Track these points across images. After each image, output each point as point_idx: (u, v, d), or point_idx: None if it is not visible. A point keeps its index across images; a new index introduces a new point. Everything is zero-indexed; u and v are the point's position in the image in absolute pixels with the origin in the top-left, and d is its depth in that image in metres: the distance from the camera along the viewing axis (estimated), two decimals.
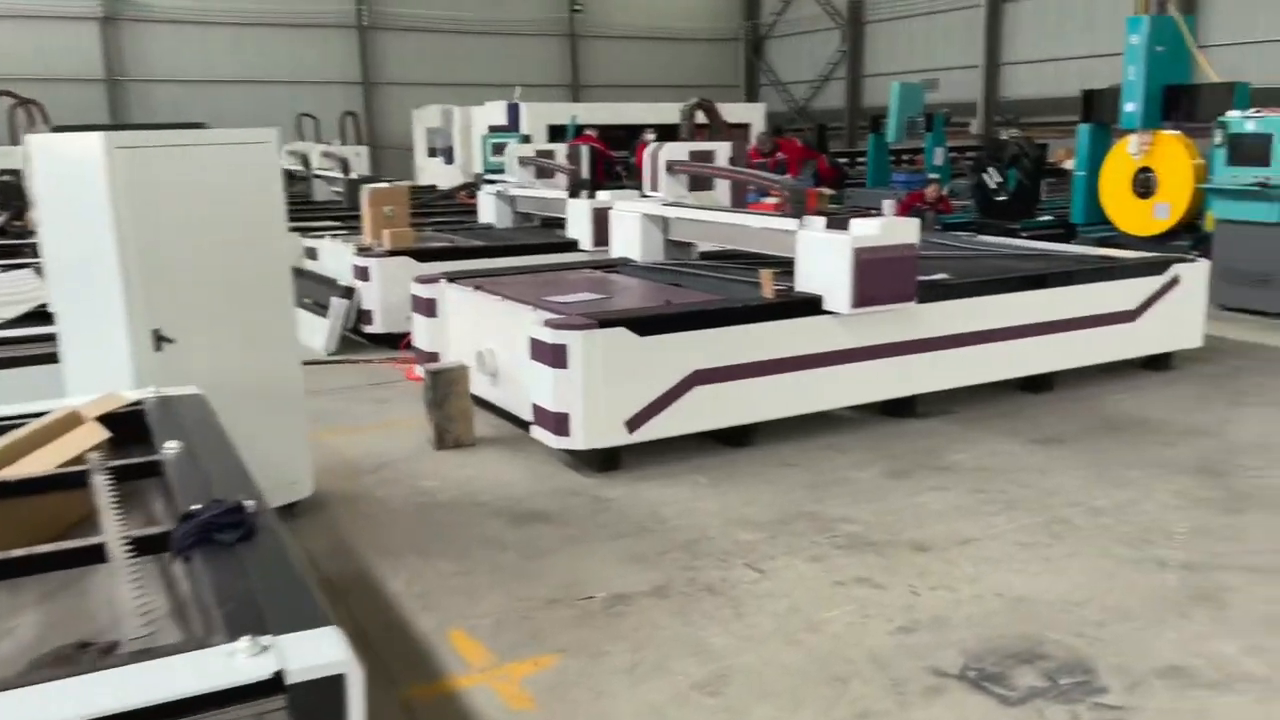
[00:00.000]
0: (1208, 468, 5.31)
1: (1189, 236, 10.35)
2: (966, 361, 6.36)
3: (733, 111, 29.11)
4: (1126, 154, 10.62)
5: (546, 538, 4.49)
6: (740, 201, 7.40)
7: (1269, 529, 4.52)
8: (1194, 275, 7.26)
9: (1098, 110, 11.24)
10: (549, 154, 10.23)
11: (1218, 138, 9.34)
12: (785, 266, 6.07)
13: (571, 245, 8.95)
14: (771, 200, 12.78)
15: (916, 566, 4.18)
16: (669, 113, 25.63)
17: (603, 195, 8.85)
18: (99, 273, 3.97)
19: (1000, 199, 13.05)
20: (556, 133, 21.73)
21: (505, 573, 4.14)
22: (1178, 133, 10.36)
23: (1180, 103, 10.24)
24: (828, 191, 16.53)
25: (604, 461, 5.33)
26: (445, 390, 5.68)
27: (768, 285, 5.81)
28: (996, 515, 4.73)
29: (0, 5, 26.03)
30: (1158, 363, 7.29)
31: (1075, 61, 24.72)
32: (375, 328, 8.22)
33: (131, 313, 3.99)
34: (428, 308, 6.68)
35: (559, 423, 5.21)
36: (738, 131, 23.07)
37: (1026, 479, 5.19)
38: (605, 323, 5.20)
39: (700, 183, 7.26)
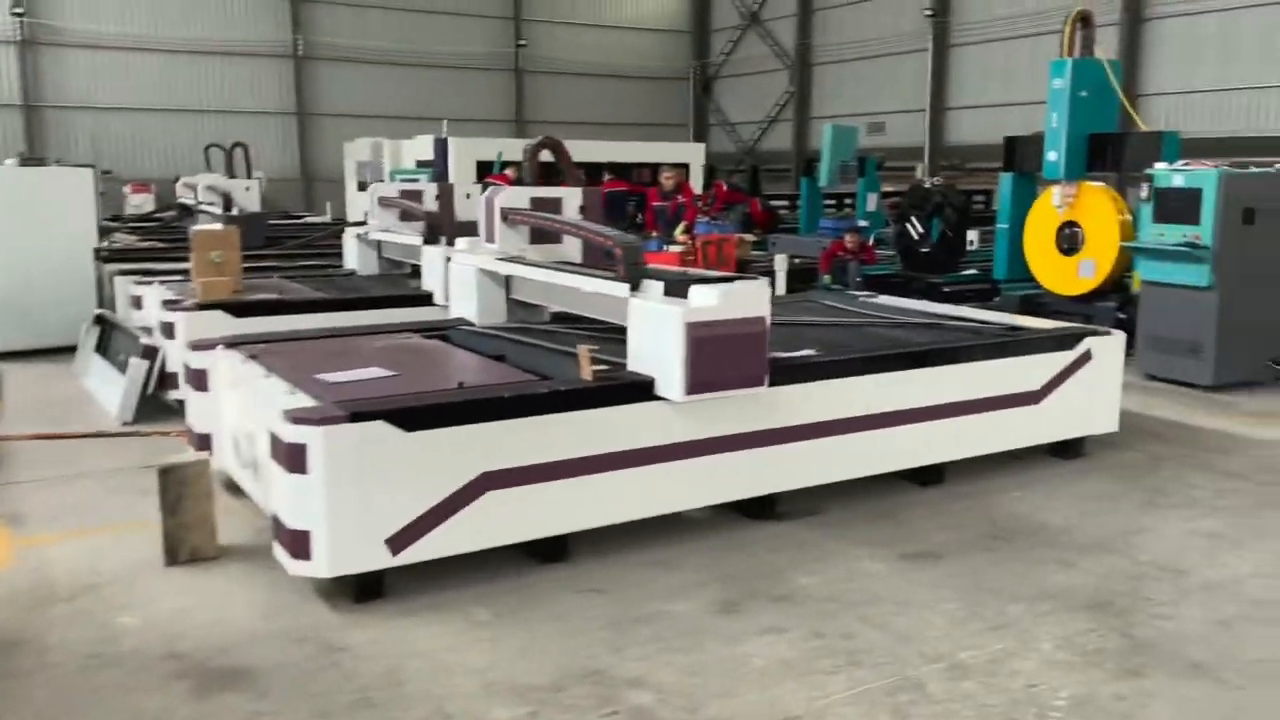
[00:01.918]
0: (1107, 601, 4.33)
1: (1117, 297, 9.54)
2: (835, 453, 5.37)
3: (672, 151, 28.47)
4: (1050, 206, 9.81)
5: (227, 718, 3.39)
6: (593, 258, 6.39)
7: (1169, 704, 3.53)
8: (1109, 350, 6.35)
9: (1020, 159, 10.46)
10: (416, 194, 9.20)
11: (1144, 192, 8.52)
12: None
13: (427, 299, 7.92)
14: (675, 250, 11.84)
15: None
16: (617, 151, 24.81)
17: (461, 243, 7.84)
18: None
19: (924, 250, 12.21)
20: (485, 169, 20.96)
21: None
22: (1103, 185, 9.57)
23: (1106, 153, 9.45)
24: (749, 237, 15.67)
25: (361, 590, 4.25)
26: (179, 492, 4.58)
27: (586, 365, 4.79)
28: (834, 674, 3.71)
29: None
30: (1067, 450, 6.36)
31: (1018, 108, 24.23)
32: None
33: None
34: (199, 380, 5.59)
35: (297, 542, 4.13)
36: (678, 172, 22.12)
37: (883, 616, 4.17)
38: (359, 415, 4.14)
39: (546, 234, 6.26)
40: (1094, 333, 6.32)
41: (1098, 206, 9.35)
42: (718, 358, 4.73)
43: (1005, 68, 25.29)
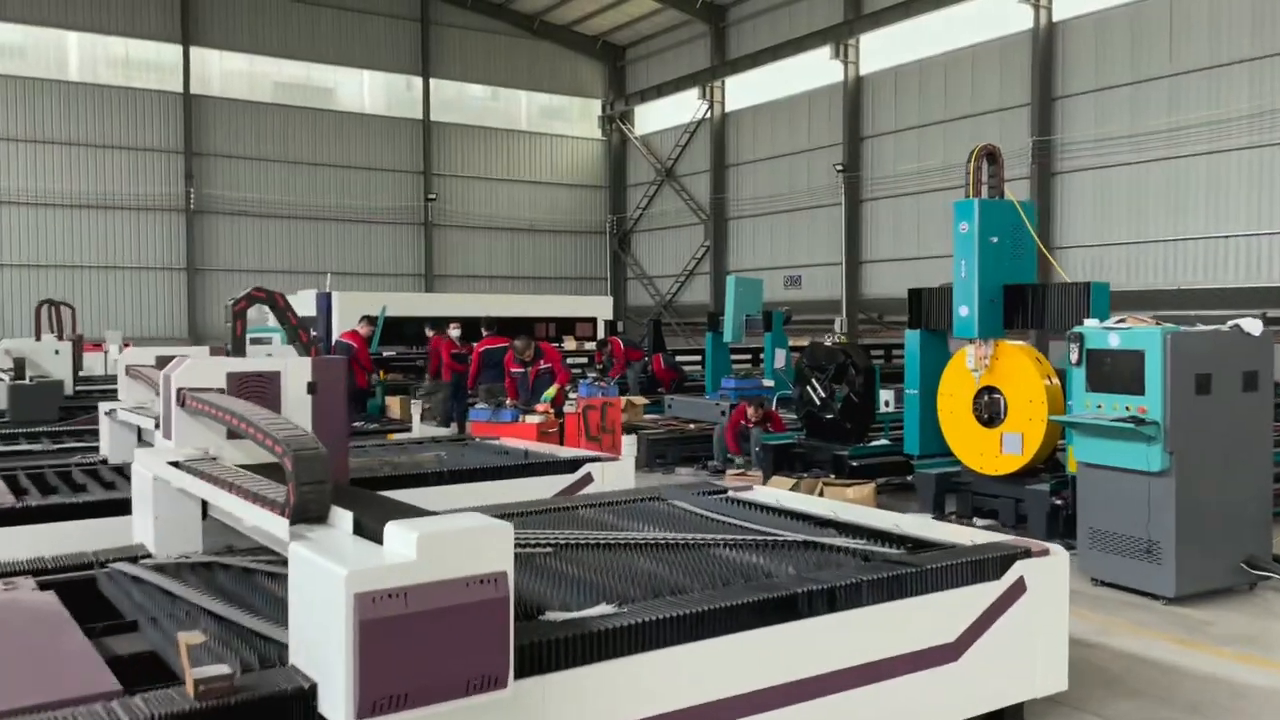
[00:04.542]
0: None
1: (1051, 478, 7.88)
2: None
3: (580, 305, 27.12)
4: (965, 369, 8.25)
5: None
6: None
7: None
8: (1048, 576, 4.55)
9: (928, 314, 8.95)
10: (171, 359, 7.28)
11: (1073, 354, 6.96)
12: None
13: None
14: (533, 420, 10.00)
15: None
16: (500, 305, 23.25)
17: None
18: None
19: (828, 417, 10.56)
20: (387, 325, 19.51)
21: None
22: (1025, 344, 8.07)
23: (1025, 306, 7.98)
24: (639, 400, 13.89)
25: None
26: None
27: (187, 671, 2.84)
28: None
29: None
30: None
31: (936, 260, 23.42)
32: None
33: None
34: None
35: None
36: (583, 325, 21.01)
37: None
38: None
39: None
40: (1027, 553, 4.54)
41: (1020, 370, 7.81)
42: (418, 649, 2.83)
43: (918, 221, 24.71)
